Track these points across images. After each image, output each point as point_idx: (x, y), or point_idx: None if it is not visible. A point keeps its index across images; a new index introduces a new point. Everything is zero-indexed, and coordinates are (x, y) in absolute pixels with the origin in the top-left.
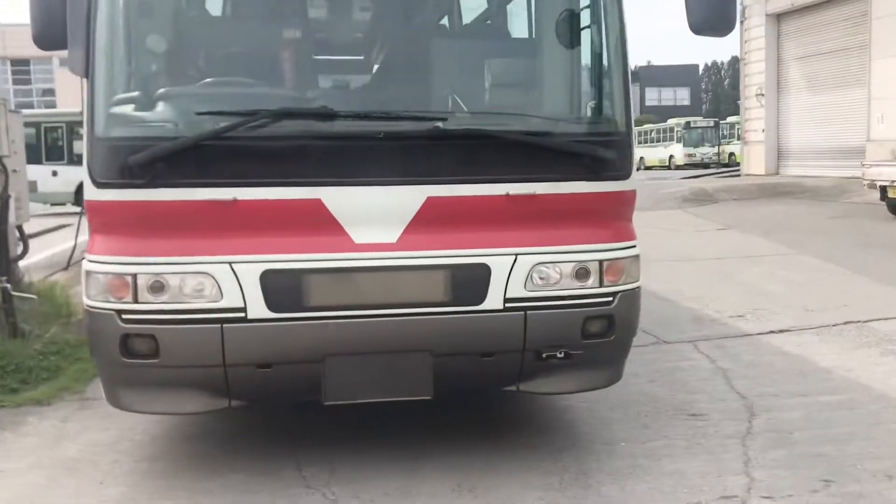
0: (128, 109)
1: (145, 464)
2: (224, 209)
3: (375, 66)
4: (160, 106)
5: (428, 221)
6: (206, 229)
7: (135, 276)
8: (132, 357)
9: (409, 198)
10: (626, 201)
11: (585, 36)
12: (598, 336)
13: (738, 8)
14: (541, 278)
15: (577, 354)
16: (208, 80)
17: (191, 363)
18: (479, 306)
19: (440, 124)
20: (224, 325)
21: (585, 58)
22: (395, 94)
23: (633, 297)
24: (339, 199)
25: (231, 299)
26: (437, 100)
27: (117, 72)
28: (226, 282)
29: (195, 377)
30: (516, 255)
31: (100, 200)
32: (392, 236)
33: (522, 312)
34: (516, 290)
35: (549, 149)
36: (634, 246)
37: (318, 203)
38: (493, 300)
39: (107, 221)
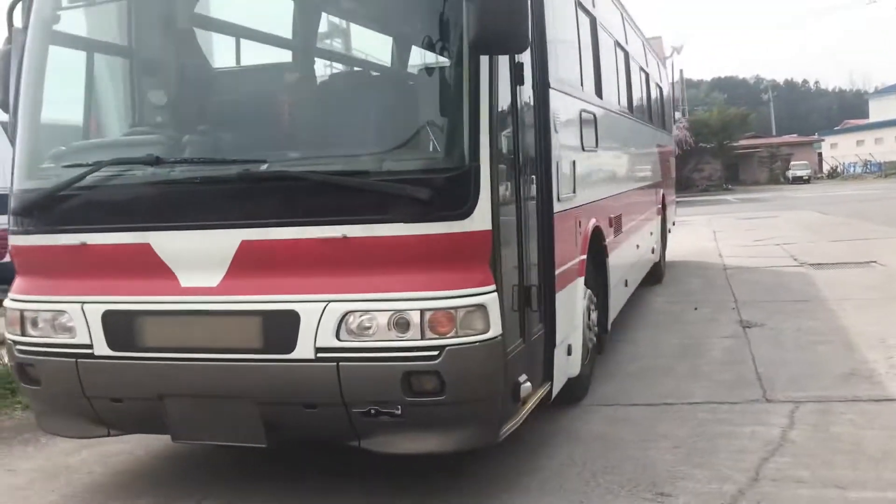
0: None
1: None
2: (76, 253)
3: (196, 114)
4: (30, 163)
5: (245, 265)
6: (67, 271)
7: (21, 311)
8: (26, 383)
9: (227, 242)
10: (464, 244)
11: (413, 70)
12: (427, 394)
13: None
14: (354, 328)
15: (409, 413)
16: (61, 137)
17: (61, 392)
18: (290, 355)
19: (249, 167)
20: (78, 360)
21: (414, 90)
22: (210, 139)
23: (469, 352)
24: (167, 244)
25: (82, 336)
26: (251, 142)
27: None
28: (78, 320)
29: (69, 405)
30: (327, 302)
31: (12, 245)
32: (214, 280)
33: (335, 363)
34: (327, 340)
35: (360, 189)
36: (479, 294)
37: (147, 247)
38: (304, 349)
39: (16, 263)
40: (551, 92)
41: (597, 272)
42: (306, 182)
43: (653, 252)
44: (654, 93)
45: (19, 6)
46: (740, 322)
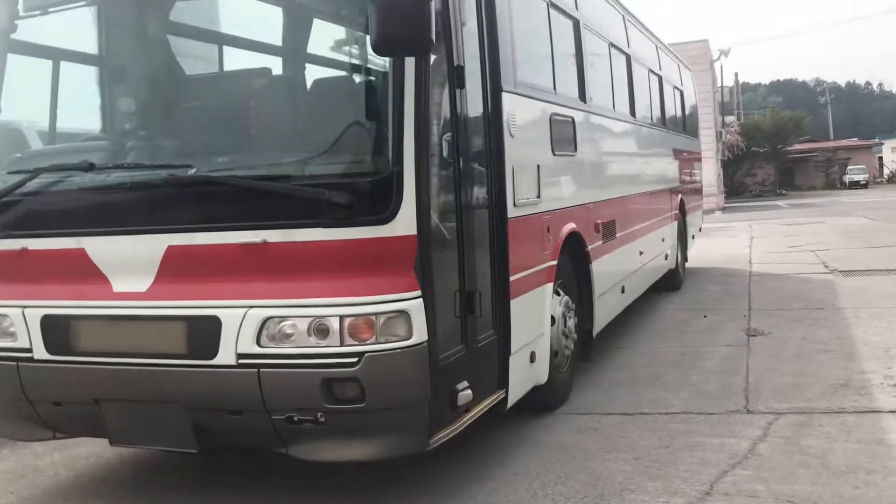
0: None
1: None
2: (18, 258)
3: (129, 121)
4: None
5: (172, 271)
6: (9, 276)
7: None
8: None
9: (155, 247)
10: (386, 249)
11: (338, 74)
12: (348, 401)
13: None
14: (274, 334)
15: (332, 420)
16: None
17: (5, 396)
18: (213, 360)
19: (173, 172)
20: (19, 364)
21: (338, 95)
22: (143, 145)
23: (390, 359)
24: (100, 249)
25: (22, 340)
26: (180, 149)
27: None
28: (18, 325)
29: (13, 409)
30: (247, 308)
31: None
32: (143, 285)
33: (256, 370)
34: (248, 346)
35: (280, 193)
36: (400, 300)
37: (82, 252)
38: (226, 355)
39: None
40: (505, 96)
41: (580, 278)
42: (227, 187)
43: (666, 258)
44: (672, 97)
45: None
46: (746, 330)
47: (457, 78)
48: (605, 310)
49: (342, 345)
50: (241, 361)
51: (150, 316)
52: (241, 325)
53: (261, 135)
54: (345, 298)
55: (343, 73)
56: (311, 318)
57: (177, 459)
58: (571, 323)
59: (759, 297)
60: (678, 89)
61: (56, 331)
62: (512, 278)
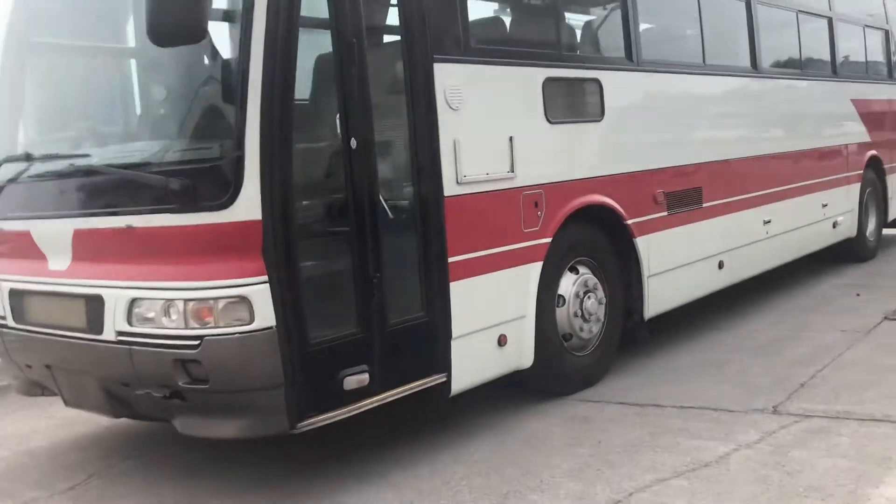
0: None
1: None
2: None
3: (48, 114)
4: None
5: (80, 252)
6: None
7: None
8: None
9: (67, 230)
10: (227, 234)
11: (188, 61)
12: (197, 381)
13: None
14: (140, 314)
15: (192, 398)
16: None
17: (4, 357)
18: (101, 336)
19: (72, 162)
20: (2, 330)
21: (190, 83)
22: (58, 137)
23: (229, 343)
24: (39, 231)
25: (1, 310)
26: (78, 138)
27: None
28: (2, 295)
29: (12, 368)
30: (121, 288)
31: None
32: (65, 265)
33: (128, 347)
34: (121, 325)
35: (137, 181)
36: (241, 285)
37: (28, 234)
38: (108, 332)
39: None
40: (441, 66)
41: (619, 255)
42: (102, 176)
43: (834, 226)
44: (858, 38)
45: None
46: (889, 314)
47: (347, 53)
48: (668, 290)
49: (186, 327)
50: (118, 338)
51: (65, 293)
52: (115, 304)
53: (128, 123)
54: (188, 282)
55: (195, 62)
56: (164, 301)
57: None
58: (593, 303)
59: None
60: (874, 28)
61: (17, 302)
62: (453, 259)
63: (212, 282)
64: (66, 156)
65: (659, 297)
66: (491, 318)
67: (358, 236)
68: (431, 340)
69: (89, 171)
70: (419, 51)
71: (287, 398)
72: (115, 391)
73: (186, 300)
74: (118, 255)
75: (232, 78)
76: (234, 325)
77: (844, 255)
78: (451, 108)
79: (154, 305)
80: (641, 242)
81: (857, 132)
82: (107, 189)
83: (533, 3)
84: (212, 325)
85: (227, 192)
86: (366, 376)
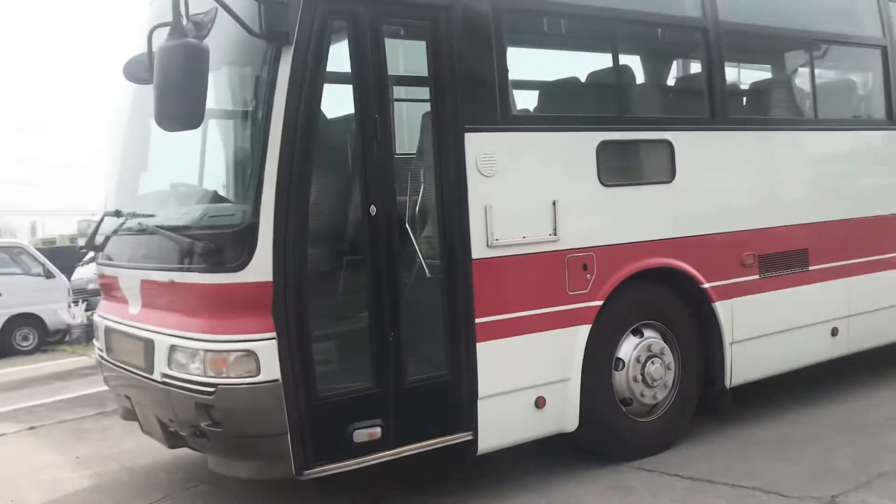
0: None
1: None
2: (99, 281)
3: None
4: None
5: (146, 300)
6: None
7: None
8: None
9: (136, 279)
10: (241, 293)
11: (218, 133)
12: (213, 424)
13: None
14: (176, 360)
15: (212, 438)
16: None
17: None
18: (153, 375)
19: (141, 221)
20: (101, 359)
21: (218, 154)
22: (125, 198)
23: (237, 393)
24: (123, 278)
25: (100, 343)
26: (138, 200)
27: None
28: (100, 330)
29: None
30: (166, 335)
31: None
32: (137, 309)
33: (167, 388)
34: (164, 367)
35: (174, 241)
36: (250, 341)
37: (116, 279)
38: (157, 373)
39: None
40: (472, 136)
41: (698, 321)
42: (154, 236)
43: None
44: None
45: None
46: None
47: (366, 136)
48: (757, 357)
49: (205, 375)
50: (163, 379)
51: (134, 335)
52: (160, 349)
53: (181, 190)
54: (209, 335)
55: (223, 133)
56: (191, 350)
57: None
58: (657, 368)
59: None
60: None
61: (109, 338)
62: (481, 320)
63: (226, 335)
64: (139, 214)
65: (746, 364)
66: (526, 380)
67: (373, 298)
68: (455, 399)
69: (150, 231)
70: (449, 120)
71: (293, 446)
72: (167, 425)
73: (206, 351)
74: (167, 305)
75: (254, 150)
76: (244, 377)
77: None
78: (482, 174)
79: (185, 353)
80: (723, 308)
81: None
82: (160, 246)
83: (566, 77)
84: (225, 375)
85: (243, 255)
86: (378, 430)
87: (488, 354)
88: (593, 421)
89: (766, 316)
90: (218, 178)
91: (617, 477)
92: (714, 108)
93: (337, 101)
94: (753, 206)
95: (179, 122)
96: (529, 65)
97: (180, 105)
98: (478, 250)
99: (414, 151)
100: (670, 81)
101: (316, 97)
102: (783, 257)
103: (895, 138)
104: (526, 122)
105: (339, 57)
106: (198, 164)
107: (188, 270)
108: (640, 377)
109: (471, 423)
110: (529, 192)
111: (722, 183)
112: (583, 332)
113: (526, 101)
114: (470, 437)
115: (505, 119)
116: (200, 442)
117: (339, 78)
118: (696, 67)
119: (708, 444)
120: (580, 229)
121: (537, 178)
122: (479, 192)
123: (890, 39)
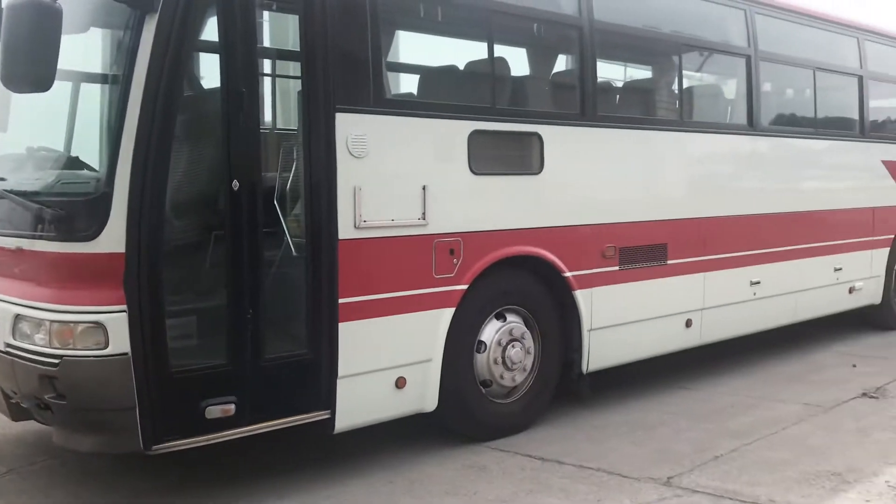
0: None
1: None
2: None
3: None
4: None
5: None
6: None
7: None
8: None
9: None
10: (92, 264)
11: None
12: (58, 397)
13: None
14: (21, 330)
15: (57, 411)
16: None
17: None
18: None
19: None
20: None
21: (78, 121)
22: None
23: (83, 365)
24: None
25: None
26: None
27: None
28: None
29: None
30: (10, 304)
31: None
32: None
33: (11, 358)
34: (8, 337)
35: (25, 207)
36: (99, 312)
37: None
38: (1, 343)
39: None
40: (344, 116)
41: (559, 308)
42: (2, 199)
43: (850, 291)
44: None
45: None
46: (870, 391)
47: (232, 106)
48: (614, 345)
49: (50, 346)
50: (6, 349)
51: None
52: (4, 318)
53: (36, 154)
54: (56, 305)
55: (91, 97)
56: (36, 321)
57: None
58: (517, 352)
59: None
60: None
61: None
62: (345, 300)
63: (74, 307)
64: None
65: (602, 352)
66: (387, 360)
67: (232, 274)
68: (314, 378)
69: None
70: (321, 99)
71: (142, 420)
72: (10, 396)
73: (52, 321)
74: (14, 274)
75: (112, 118)
76: (91, 349)
77: (871, 320)
78: (353, 155)
79: (30, 323)
80: (583, 295)
81: (889, 196)
82: (8, 212)
83: (443, 65)
84: (71, 347)
85: (94, 224)
86: (232, 406)
87: (351, 334)
88: (453, 402)
89: (624, 305)
90: (76, 144)
91: (473, 457)
92: (584, 104)
93: (208, 73)
94: (617, 200)
95: (27, 83)
96: (406, 49)
97: (29, 66)
98: (345, 231)
99: (291, 128)
100: (545, 76)
101: (180, 67)
102: (643, 251)
103: (754, 143)
104: (399, 106)
105: (209, 27)
106: (57, 128)
107: (38, 238)
108: (500, 360)
109: (329, 401)
110: (400, 176)
111: (588, 177)
112: (447, 314)
113: (401, 85)
114: (328, 416)
115: (378, 102)
116: (45, 415)
117: (207, 48)
118: (570, 64)
119: (563, 427)
120: (449, 215)
121: (408, 163)
122: (348, 173)
123: (754, 49)
